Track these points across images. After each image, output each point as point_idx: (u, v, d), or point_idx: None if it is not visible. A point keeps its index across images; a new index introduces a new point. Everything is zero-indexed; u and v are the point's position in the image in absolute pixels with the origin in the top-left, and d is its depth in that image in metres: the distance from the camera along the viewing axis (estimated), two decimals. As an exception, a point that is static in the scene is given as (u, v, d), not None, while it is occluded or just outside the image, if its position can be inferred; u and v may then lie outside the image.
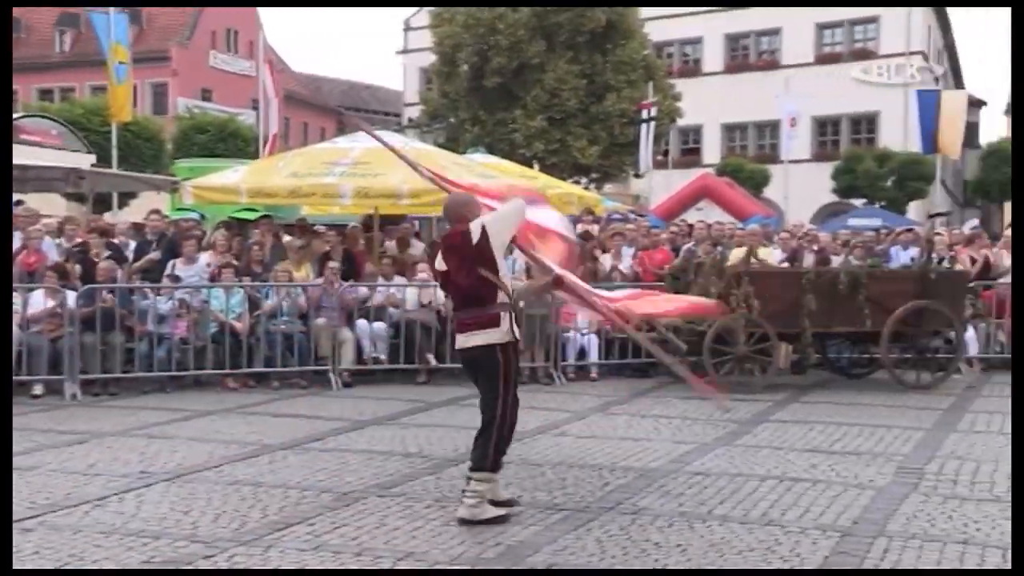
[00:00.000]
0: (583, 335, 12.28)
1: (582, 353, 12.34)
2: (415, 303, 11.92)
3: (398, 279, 12.15)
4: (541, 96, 29.40)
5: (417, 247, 13.77)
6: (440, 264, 5.96)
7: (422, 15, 40.58)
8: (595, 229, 14.47)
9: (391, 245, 13.55)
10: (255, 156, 21.45)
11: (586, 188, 27.50)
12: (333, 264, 11.89)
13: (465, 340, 5.87)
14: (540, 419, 9.26)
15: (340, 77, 60.97)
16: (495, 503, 5.85)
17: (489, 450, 5.80)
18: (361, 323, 11.68)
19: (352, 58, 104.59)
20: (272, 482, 6.71)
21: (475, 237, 5.64)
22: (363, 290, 11.83)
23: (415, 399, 10.49)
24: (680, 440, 8.24)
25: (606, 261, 12.97)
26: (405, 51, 47.80)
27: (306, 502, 6.19)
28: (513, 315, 5.83)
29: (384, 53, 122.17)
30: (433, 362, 11.75)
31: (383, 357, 11.75)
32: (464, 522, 5.69)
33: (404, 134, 23.13)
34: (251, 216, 15.32)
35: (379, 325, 11.72)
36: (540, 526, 5.69)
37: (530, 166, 22.83)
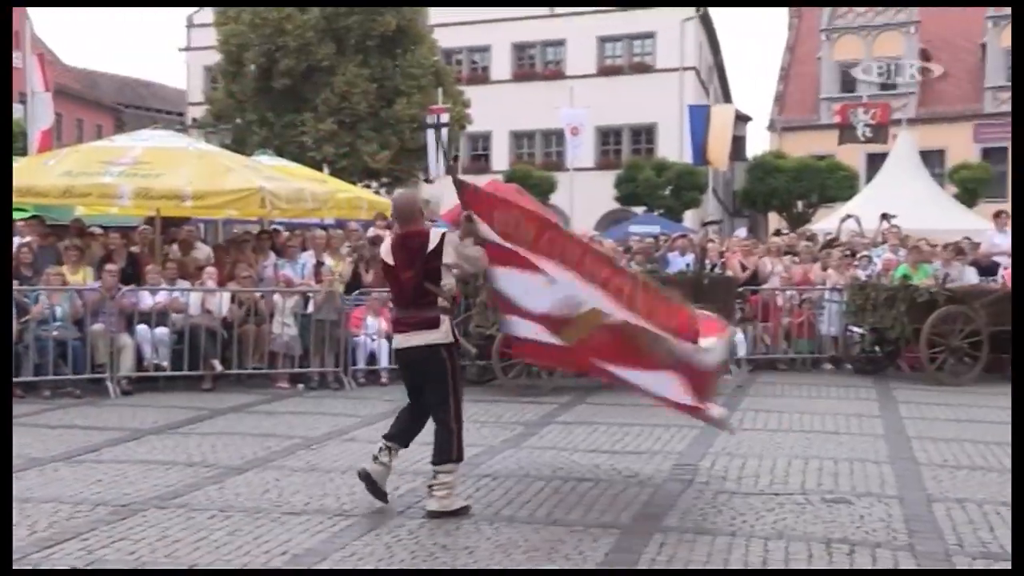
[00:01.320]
0: (373, 340, 12.25)
1: (372, 358, 12.31)
2: (199, 308, 11.57)
3: (181, 283, 11.75)
4: (331, 99, 29.05)
5: (202, 250, 13.37)
6: (389, 258, 6.10)
7: (206, 12, 39.33)
8: (386, 234, 14.41)
9: (174, 248, 13.09)
10: (24, 153, 20.22)
11: (376, 193, 27.40)
12: (111, 267, 11.40)
13: (405, 340, 6.09)
14: (329, 424, 9.18)
15: (118, 73, 58.15)
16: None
17: (452, 442, 6.04)
18: (142, 328, 11.23)
19: (130, 54, 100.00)
20: (42, 497, 6.36)
21: (431, 245, 5.91)
22: (145, 294, 11.38)
23: (199, 407, 10.18)
24: (469, 443, 8.23)
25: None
26: (188, 48, 46.19)
27: (79, 516, 5.91)
28: (452, 320, 6.10)
29: (166, 49, 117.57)
30: (219, 368, 11.44)
31: (165, 364, 11.34)
32: (434, 514, 5.90)
33: (188, 134, 22.35)
34: (19, 216, 14.43)
35: (161, 331, 11.30)
36: (328, 533, 5.65)
37: (320, 169, 22.54)
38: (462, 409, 6.14)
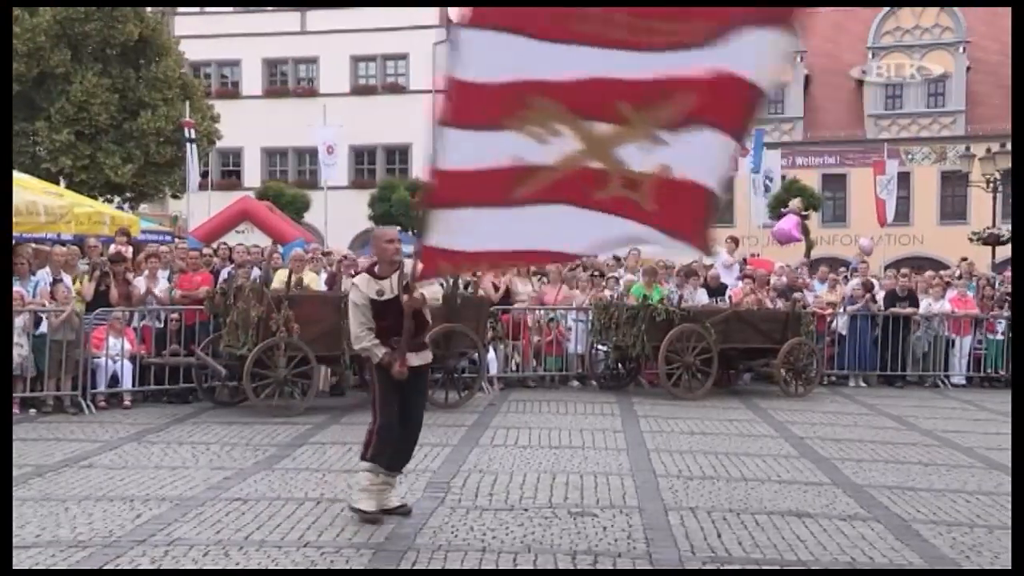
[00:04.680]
0: (115, 361, 11.68)
1: (115, 380, 11.73)
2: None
3: None
4: (67, 108, 27.42)
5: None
6: None
7: (-74, 7, 36.29)
8: (129, 251, 13.80)
9: None
10: None
11: (120, 208, 26.16)
12: None
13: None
14: (66, 451, 8.70)
15: None
16: (388, 510, 6.41)
17: (367, 441, 6.47)
18: None
19: None
20: None
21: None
22: None
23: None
24: (219, 466, 8.14)
25: (140, 284, 12.48)
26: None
27: None
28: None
29: None
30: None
31: None
32: (352, 509, 6.38)
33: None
34: None
35: None
36: (62, 565, 5.36)
37: (56, 182, 21.29)
38: (382, 419, 6.46)
